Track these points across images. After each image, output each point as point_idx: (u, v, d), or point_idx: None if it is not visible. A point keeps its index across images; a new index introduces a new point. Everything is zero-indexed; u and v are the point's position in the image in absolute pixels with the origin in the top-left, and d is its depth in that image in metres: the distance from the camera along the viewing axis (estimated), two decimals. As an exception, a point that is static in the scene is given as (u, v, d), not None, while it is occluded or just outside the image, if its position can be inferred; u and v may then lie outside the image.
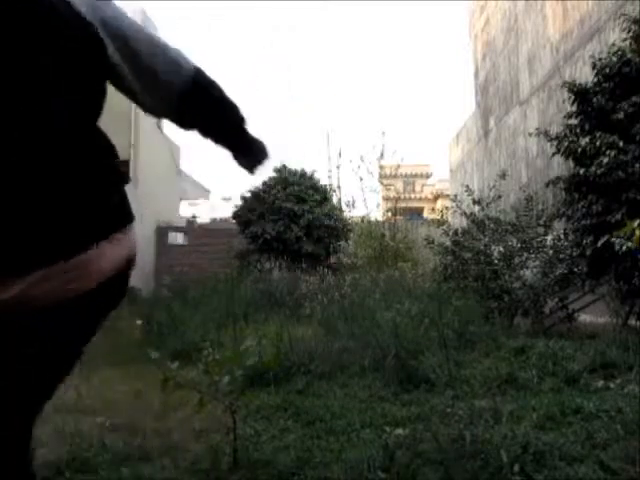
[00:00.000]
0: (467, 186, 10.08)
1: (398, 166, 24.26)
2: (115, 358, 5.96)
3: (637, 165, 6.32)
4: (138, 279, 14.82)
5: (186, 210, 27.92)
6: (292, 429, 3.55)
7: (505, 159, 16.78)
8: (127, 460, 3.01)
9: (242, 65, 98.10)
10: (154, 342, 5.84)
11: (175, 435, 3.51)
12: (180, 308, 7.81)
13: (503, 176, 10.68)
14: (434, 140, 72.72)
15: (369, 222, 19.93)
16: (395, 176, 25.68)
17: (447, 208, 10.66)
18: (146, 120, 18.17)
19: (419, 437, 3.14)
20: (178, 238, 18.82)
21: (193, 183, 25.37)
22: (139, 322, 6.86)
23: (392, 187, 25.45)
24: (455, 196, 9.80)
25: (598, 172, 6.55)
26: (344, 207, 19.22)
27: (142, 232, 16.91)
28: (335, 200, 19.38)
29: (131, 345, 6.47)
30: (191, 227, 21.32)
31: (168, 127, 19.81)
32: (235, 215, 16.53)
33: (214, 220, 27.08)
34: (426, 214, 40.70)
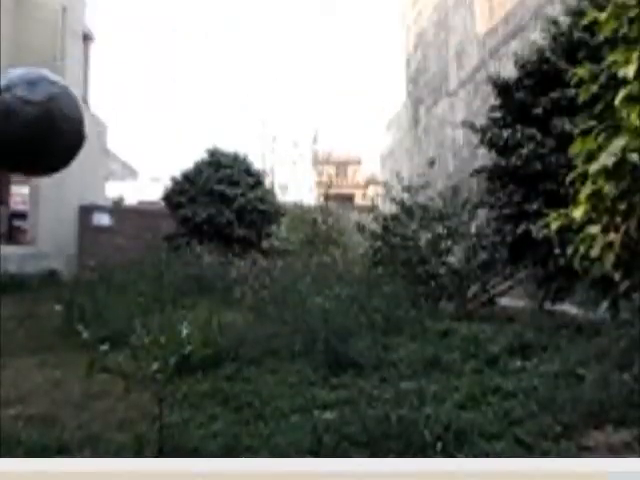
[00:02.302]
0: (398, 173, 10.29)
1: (330, 152, 24.58)
2: (32, 345, 5.64)
3: (554, 157, 6.64)
4: (59, 261, 14.09)
5: (113, 192, 26.80)
6: (220, 416, 3.51)
7: (434, 148, 17.25)
8: (43, 453, 2.86)
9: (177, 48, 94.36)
10: (75, 328, 5.57)
11: (97, 425, 3.38)
12: (104, 293, 7.48)
13: (431, 164, 11.07)
14: (366, 127, 73.44)
15: (301, 207, 19.95)
16: (328, 162, 25.95)
17: (378, 195, 10.83)
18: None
19: (347, 420, 3.19)
20: (103, 219, 18.02)
21: (121, 164, 24.31)
22: (58, 307, 6.48)
23: (325, 172, 25.74)
24: (385, 183, 9.96)
25: (518, 163, 6.87)
26: (277, 191, 19.12)
27: (62, 212, 16.07)
28: (268, 184, 19.24)
29: (50, 331, 6.15)
30: (117, 208, 20.51)
31: (96, 104, 18.81)
32: (165, 197, 16.03)
33: (142, 202, 26.18)
34: (358, 201, 41.29)
